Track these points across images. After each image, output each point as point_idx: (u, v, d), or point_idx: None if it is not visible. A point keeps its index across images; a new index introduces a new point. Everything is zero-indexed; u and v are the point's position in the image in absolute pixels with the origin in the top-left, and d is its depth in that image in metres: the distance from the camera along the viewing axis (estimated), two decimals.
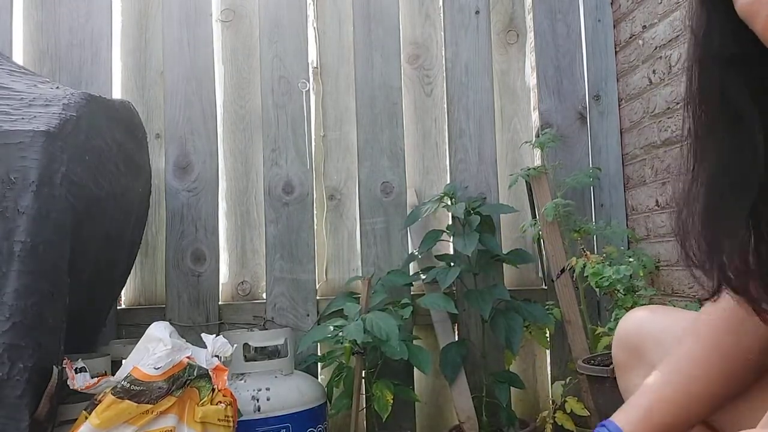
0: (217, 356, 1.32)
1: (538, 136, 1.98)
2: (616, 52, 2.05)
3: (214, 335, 1.36)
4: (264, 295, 1.95)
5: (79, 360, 1.26)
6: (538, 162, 2.02)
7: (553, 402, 1.77)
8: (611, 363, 1.05)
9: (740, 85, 0.58)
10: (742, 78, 0.58)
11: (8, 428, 1.06)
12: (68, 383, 1.17)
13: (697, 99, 0.61)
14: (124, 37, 2.00)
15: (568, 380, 1.74)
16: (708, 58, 0.60)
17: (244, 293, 1.98)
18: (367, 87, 2.01)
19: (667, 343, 0.87)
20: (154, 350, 1.21)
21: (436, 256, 1.91)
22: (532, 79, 2.09)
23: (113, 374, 1.24)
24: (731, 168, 0.59)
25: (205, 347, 1.33)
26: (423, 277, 1.87)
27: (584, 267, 1.61)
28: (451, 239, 1.85)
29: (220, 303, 1.94)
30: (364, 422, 1.86)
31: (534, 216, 1.96)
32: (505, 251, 1.92)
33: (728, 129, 0.59)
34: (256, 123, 2.01)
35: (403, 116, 2.01)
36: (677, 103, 1.67)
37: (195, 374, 1.23)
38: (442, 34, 2.05)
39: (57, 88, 1.36)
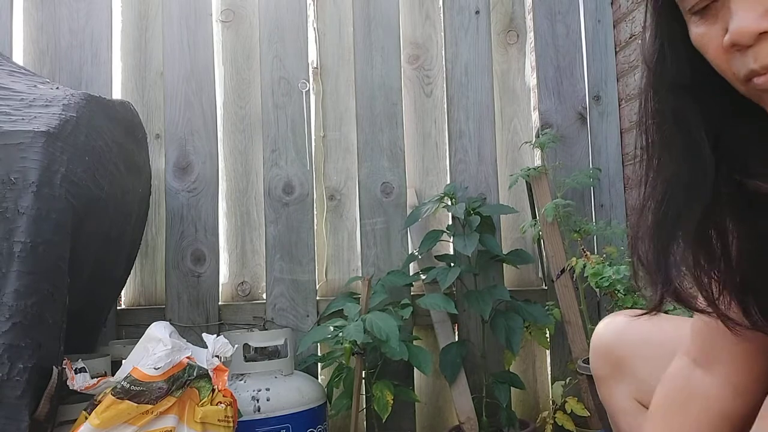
0: (217, 356, 1.32)
1: (538, 136, 1.98)
2: (616, 53, 2.05)
3: (215, 335, 1.36)
4: (264, 296, 1.95)
5: (79, 360, 1.26)
6: (538, 162, 2.02)
7: (553, 402, 1.77)
8: None
9: (693, 110, 0.61)
10: (695, 104, 0.61)
11: (8, 428, 1.05)
12: (68, 384, 1.17)
13: (650, 120, 0.64)
14: (124, 37, 2.00)
15: (568, 380, 1.74)
16: (662, 85, 0.63)
17: (244, 294, 1.98)
18: (367, 87, 2.01)
19: (650, 353, 0.87)
20: (154, 350, 1.21)
21: (436, 257, 1.91)
22: (532, 79, 2.09)
23: (113, 374, 1.24)
24: (680, 187, 0.62)
25: (205, 347, 1.33)
26: (423, 277, 1.87)
27: (584, 267, 1.61)
28: (451, 239, 1.85)
29: (220, 303, 1.94)
30: (364, 422, 1.86)
31: (534, 216, 1.96)
32: (505, 251, 1.92)
33: (680, 149, 0.62)
34: (256, 123, 2.01)
35: (403, 117, 2.01)
36: None
37: (195, 374, 1.23)
38: (442, 34, 2.05)
39: (57, 88, 1.36)
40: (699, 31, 0.57)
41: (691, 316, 0.74)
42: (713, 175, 0.61)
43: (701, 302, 0.64)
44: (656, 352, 0.85)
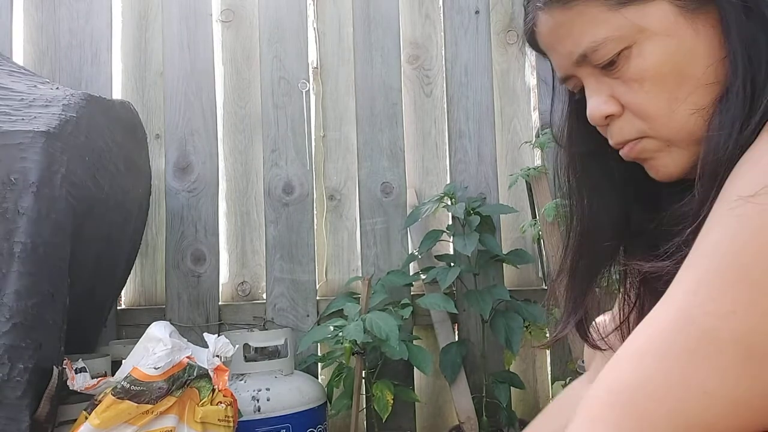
0: (218, 356, 1.32)
1: (538, 136, 1.97)
2: None
3: (216, 335, 1.36)
4: (264, 296, 1.95)
5: (80, 360, 1.26)
6: (538, 162, 2.02)
7: None
8: None
9: (600, 176, 0.73)
10: (602, 169, 0.73)
11: (9, 429, 1.06)
12: (68, 384, 1.17)
13: (565, 185, 0.76)
14: (124, 37, 2.00)
15: (568, 380, 1.74)
16: (573, 153, 0.75)
17: (244, 294, 1.98)
18: (367, 87, 2.01)
19: None
20: (154, 350, 1.21)
21: (436, 256, 1.91)
22: (532, 79, 2.09)
23: (113, 374, 1.24)
24: (590, 235, 0.74)
25: (205, 346, 1.33)
26: (423, 277, 1.87)
27: None
28: (451, 239, 1.85)
29: (220, 303, 1.94)
30: (364, 422, 1.86)
31: (534, 216, 1.96)
32: (505, 251, 1.92)
33: (590, 201, 0.74)
34: (256, 123, 2.01)
35: (403, 116, 2.01)
36: None
37: (195, 374, 1.23)
38: (442, 34, 2.05)
39: (57, 88, 1.36)
40: (588, 114, 0.67)
41: None
42: (618, 239, 0.72)
43: (592, 340, 0.76)
44: None
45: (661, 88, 0.60)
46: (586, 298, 0.75)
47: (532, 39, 0.70)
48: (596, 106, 0.64)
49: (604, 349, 0.76)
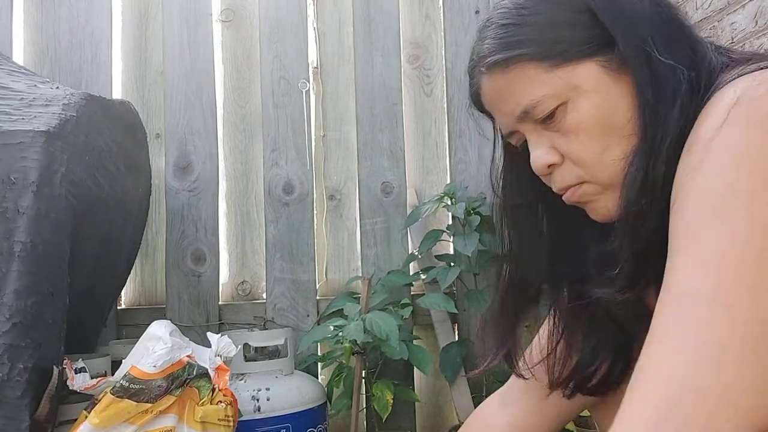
0: (219, 355, 1.31)
1: None
2: None
3: (219, 335, 1.36)
4: (264, 296, 1.95)
5: (80, 360, 1.26)
6: None
7: None
8: None
9: (533, 224, 0.81)
10: (534, 218, 0.81)
11: (8, 429, 1.06)
12: (68, 384, 1.17)
13: (501, 234, 0.83)
14: (124, 37, 2.00)
15: None
16: (507, 204, 0.82)
17: (244, 293, 1.98)
18: (367, 87, 2.01)
19: None
20: (154, 349, 1.20)
21: (436, 256, 1.91)
22: None
23: (113, 374, 1.24)
24: (519, 278, 0.82)
25: (206, 345, 1.33)
26: (423, 277, 1.87)
27: None
28: (452, 239, 1.85)
29: (220, 303, 1.94)
30: (364, 422, 1.86)
31: None
32: None
33: (520, 249, 0.81)
34: (256, 123, 2.01)
35: (403, 116, 2.01)
36: None
37: (195, 373, 1.23)
38: (442, 34, 2.05)
39: (57, 88, 1.36)
40: (532, 161, 0.73)
41: None
42: (544, 283, 0.82)
43: (518, 370, 0.85)
44: None
45: (593, 138, 0.67)
46: (515, 332, 0.83)
47: (477, 101, 0.77)
48: (539, 157, 0.71)
49: (527, 378, 0.86)
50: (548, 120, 0.69)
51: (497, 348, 0.84)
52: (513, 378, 0.93)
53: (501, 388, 0.99)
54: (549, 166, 0.71)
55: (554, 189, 0.73)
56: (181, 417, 1.20)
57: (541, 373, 0.85)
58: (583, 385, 0.81)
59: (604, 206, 0.70)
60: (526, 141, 0.73)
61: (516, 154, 0.79)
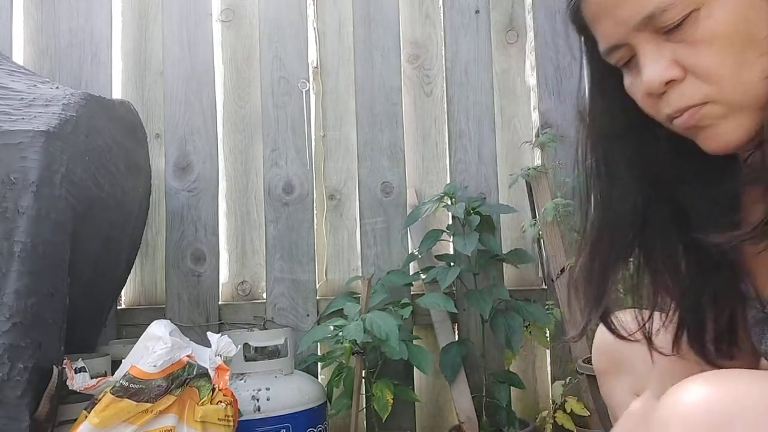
0: (219, 355, 1.32)
1: (538, 135, 1.98)
2: None
3: (219, 335, 1.36)
4: (264, 295, 1.95)
5: (80, 360, 1.26)
6: (538, 162, 2.02)
7: (553, 402, 1.77)
8: None
9: (626, 157, 0.71)
10: (628, 151, 0.71)
11: (9, 428, 1.06)
12: (68, 384, 1.17)
13: (588, 168, 0.73)
14: (124, 37, 2.00)
15: (568, 380, 1.74)
16: (598, 135, 0.72)
17: (244, 293, 1.98)
18: (367, 87, 2.01)
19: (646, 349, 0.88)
20: (154, 348, 1.20)
21: (436, 256, 1.91)
22: (532, 79, 2.09)
23: (113, 374, 1.24)
24: (612, 228, 0.72)
25: (207, 345, 1.33)
26: (423, 276, 1.87)
27: None
28: (451, 239, 1.85)
29: (220, 303, 1.94)
30: (364, 422, 1.86)
31: (534, 216, 1.96)
32: (505, 251, 1.92)
33: (615, 194, 0.71)
34: (256, 123, 2.01)
35: (403, 116, 2.01)
36: None
37: (194, 373, 1.23)
38: (442, 34, 2.05)
39: (57, 88, 1.36)
40: (627, 82, 0.65)
41: None
42: (641, 220, 0.71)
43: (625, 331, 0.75)
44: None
45: (730, 50, 0.58)
46: (607, 290, 0.73)
47: (577, 10, 0.66)
48: (656, 72, 0.61)
49: (634, 341, 0.74)
50: (674, 29, 0.59)
51: (590, 310, 0.73)
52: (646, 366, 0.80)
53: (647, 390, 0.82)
54: (666, 84, 0.61)
55: (666, 111, 0.63)
56: (181, 417, 1.20)
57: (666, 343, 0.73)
58: (696, 343, 0.71)
59: (725, 132, 0.61)
60: (630, 59, 0.64)
61: (609, 77, 0.69)
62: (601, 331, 0.96)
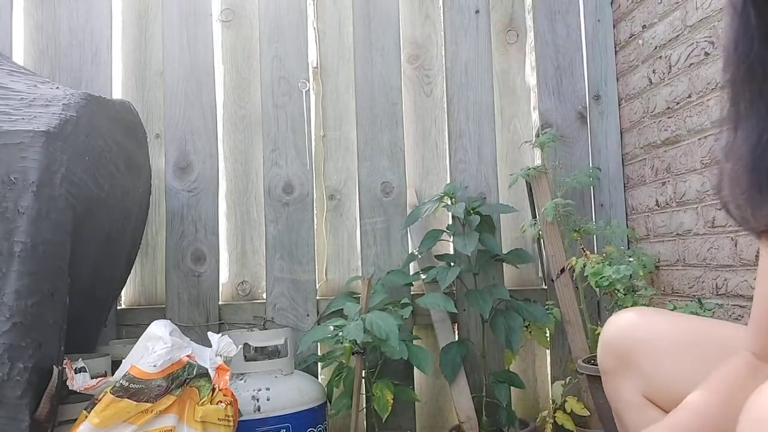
0: (220, 355, 1.32)
1: (538, 136, 1.98)
2: (616, 52, 2.05)
3: (219, 335, 1.36)
4: (264, 295, 1.95)
5: (80, 360, 1.26)
6: (538, 162, 2.02)
7: (553, 402, 1.77)
8: None
9: None
10: None
11: (9, 428, 1.06)
12: (68, 384, 1.17)
13: (737, 71, 0.61)
14: (124, 37, 2.00)
15: (568, 380, 1.74)
16: (747, 33, 0.60)
17: (244, 293, 1.98)
18: (367, 87, 2.01)
19: (659, 348, 0.87)
20: (154, 348, 1.20)
21: (436, 256, 1.91)
22: (532, 79, 2.09)
23: (113, 374, 1.24)
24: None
25: (206, 345, 1.33)
26: (423, 276, 1.87)
27: (584, 267, 1.61)
28: (451, 239, 1.85)
29: (220, 303, 1.94)
30: (364, 422, 1.86)
31: (534, 216, 1.96)
32: (505, 251, 1.92)
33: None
34: (256, 123, 2.01)
35: (403, 116, 2.02)
36: (677, 103, 1.67)
37: (195, 373, 1.23)
38: (442, 34, 2.05)
39: (57, 88, 1.36)
40: None
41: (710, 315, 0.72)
42: None
43: None
44: (666, 348, 0.86)
45: None
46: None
47: None
48: None
49: None
50: None
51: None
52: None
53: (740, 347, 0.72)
54: None
55: None
56: (181, 417, 1.20)
57: None
58: None
59: None
60: None
61: None
62: (607, 328, 0.96)
